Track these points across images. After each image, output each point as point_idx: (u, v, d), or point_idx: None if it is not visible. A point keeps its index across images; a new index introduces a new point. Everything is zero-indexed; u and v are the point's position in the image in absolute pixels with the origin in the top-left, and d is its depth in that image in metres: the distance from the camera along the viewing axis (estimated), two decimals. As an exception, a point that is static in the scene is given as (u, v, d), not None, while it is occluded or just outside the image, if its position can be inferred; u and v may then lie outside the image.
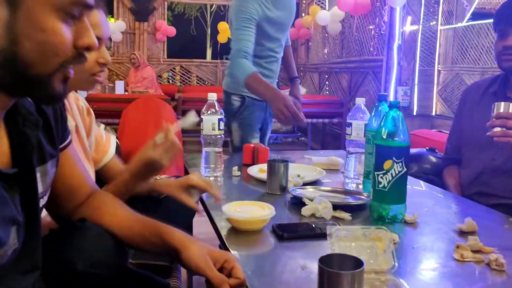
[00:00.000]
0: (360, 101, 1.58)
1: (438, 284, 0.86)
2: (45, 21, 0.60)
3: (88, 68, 1.11)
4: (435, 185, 1.63)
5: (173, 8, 8.24)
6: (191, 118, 1.20)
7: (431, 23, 4.42)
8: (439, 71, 4.39)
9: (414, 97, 4.46)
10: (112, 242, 0.87)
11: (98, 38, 1.10)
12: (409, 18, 4.40)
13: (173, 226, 0.89)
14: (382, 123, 1.16)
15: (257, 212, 1.12)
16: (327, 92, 6.70)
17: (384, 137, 1.13)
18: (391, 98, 4.35)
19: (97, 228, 0.88)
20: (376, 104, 1.43)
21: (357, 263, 0.70)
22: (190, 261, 0.81)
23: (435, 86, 4.41)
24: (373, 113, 1.42)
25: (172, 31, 7.68)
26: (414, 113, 4.45)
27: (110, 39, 1.14)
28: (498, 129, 1.35)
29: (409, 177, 1.17)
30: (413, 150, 1.84)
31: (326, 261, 0.70)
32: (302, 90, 6.66)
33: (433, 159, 1.89)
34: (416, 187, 1.57)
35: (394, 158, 1.10)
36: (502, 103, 1.37)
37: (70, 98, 1.27)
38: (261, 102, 2.20)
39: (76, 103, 1.33)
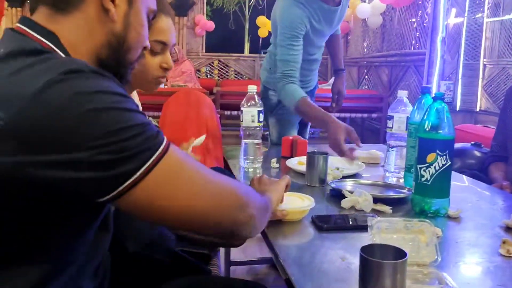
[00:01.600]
0: (402, 93, 1.56)
1: (483, 278, 0.84)
2: (143, 18, 0.77)
3: (152, 72, 1.17)
4: (480, 180, 1.58)
5: (212, 3, 8.28)
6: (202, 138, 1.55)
7: (477, 16, 4.27)
8: (484, 65, 4.24)
9: (458, 92, 4.32)
10: (160, 226, 0.90)
11: (164, 43, 1.14)
12: (454, 10, 4.26)
13: None
14: (425, 116, 1.13)
15: (296, 203, 1.12)
16: (366, 87, 6.60)
17: (428, 129, 1.11)
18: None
19: None
20: (419, 96, 1.40)
21: (400, 254, 0.69)
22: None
23: (480, 80, 4.26)
24: (415, 106, 1.39)
25: (210, 25, 7.74)
26: (457, 109, 4.31)
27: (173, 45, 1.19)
28: None
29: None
30: (457, 145, 1.80)
31: (367, 251, 0.69)
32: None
33: (477, 154, 1.83)
34: (458, 182, 1.53)
35: (438, 151, 1.08)
36: None
37: (133, 95, 1.34)
38: None
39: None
